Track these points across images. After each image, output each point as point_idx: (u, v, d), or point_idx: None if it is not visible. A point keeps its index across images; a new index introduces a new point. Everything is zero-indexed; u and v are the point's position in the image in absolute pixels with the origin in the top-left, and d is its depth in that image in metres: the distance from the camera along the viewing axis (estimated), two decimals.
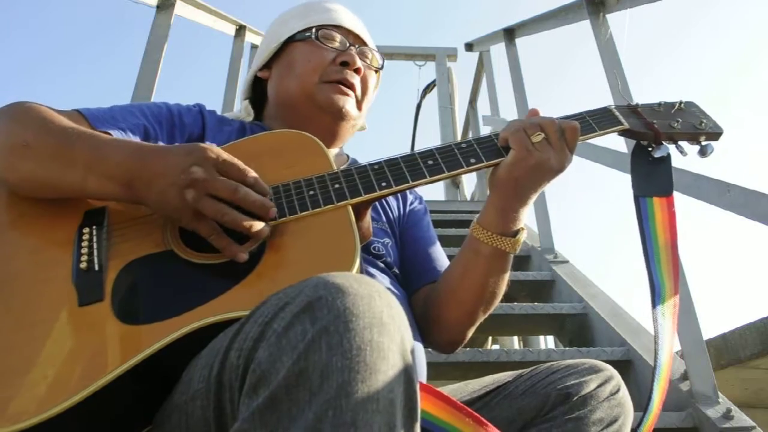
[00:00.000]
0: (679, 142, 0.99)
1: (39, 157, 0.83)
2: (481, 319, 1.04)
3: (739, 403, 1.61)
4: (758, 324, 1.88)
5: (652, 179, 0.96)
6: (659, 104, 1.01)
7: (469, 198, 4.90)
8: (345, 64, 1.13)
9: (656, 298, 0.92)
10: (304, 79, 1.12)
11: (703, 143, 0.98)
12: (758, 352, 1.86)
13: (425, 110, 5.40)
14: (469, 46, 4.71)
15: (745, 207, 1.58)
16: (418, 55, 5.26)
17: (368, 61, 1.19)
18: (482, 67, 4.56)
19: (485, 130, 4.76)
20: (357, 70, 1.14)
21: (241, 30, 3.89)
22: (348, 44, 1.15)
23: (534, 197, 0.94)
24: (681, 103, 1.01)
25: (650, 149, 0.98)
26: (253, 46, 4.35)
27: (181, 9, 2.67)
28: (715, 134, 0.98)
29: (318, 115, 1.11)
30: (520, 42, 3.61)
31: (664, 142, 0.97)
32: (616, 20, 2.35)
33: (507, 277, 1.00)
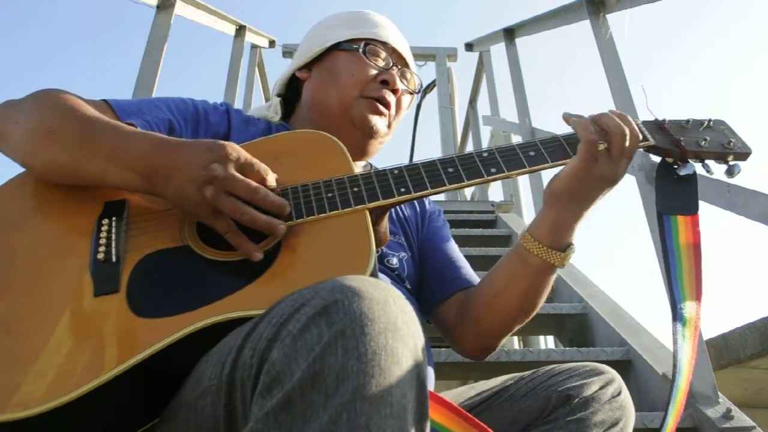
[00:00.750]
0: (706, 161, 0.96)
1: (63, 143, 0.84)
2: (517, 328, 1.04)
3: (739, 403, 1.61)
4: (758, 324, 1.88)
5: (676, 197, 0.94)
6: (687, 121, 0.99)
7: (469, 198, 4.90)
8: (385, 83, 1.14)
9: (677, 318, 0.89)
10: (344, 91, 1.12)
11: (731, 163, 0.96)
12: (758, 352, 1.86)
13: (425, 110, 5.37)
14: (469, 46, 4.72)
15: (745, 207, 1.58)
16: (418, 55, 5.26)
17: (406, 83, 1.20)
18: (482, 67, 4.56)
19: (485, 130, 4.77)
20: (395, 91, 1.15)
21: (241, 30, 3.89)
22: (391, 64, 1.15)
23: (589, 210, 0.93)
24: (710, 120, 0.99)
25: (676, 167, 0.96)
26: (253, 46, 4.36)
27: (181, 9, 2.67)
28: (744, 154, 0.96)
29: (349, 129, 1.11)
30: (520, 42, 3.61)
31: (690, 160, 0.95)
32: (616, 20, 2.36)
33: (549, 289, 1.00)
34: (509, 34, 3.66)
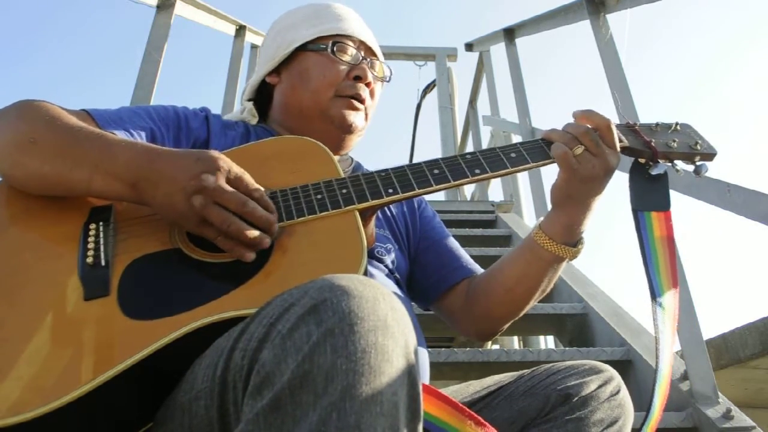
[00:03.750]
0: (675, 161, 1.03)
1: (45, 154, 0.83)
2: (524, 313, 1.10)
3: (739, 403, 1.61)
4: (758, 324, 1.89)
5: (649, 195, 1.00)
6: (656, 124, 1.05)
7: (469, 198, 4.90)
8: (358, 78, 1.14)
9: (657, 308, 0.94)
10: (319, 93, 1.13)
11: (698, 163, 1.02)
12: (758, 352, 1.86)
13: (425, 110, 5.41)
14: (469, 46, 4.72)
15: (745, 207, 1.58)
16: (418, 55, 5.26)
17: (376, 73, 1.20)
18: (482, 67, 4.56)
19: (485, 130, 4.77)
20: (368, 84, 1.15)
21: (241, 30, 3.89)
22: (360, 58, 1.15)
23: (595, 203, 0.98)
24: (677, 124, 1.05)
25: (647, 167, 1.01)
26: (253, 46, 4.35)
27: (181, 9, 2.67)
28: (710, 155, 1.02)
29: (327, 128, 1.12)
30: (520, 42, 3.61)
31: (660, 161, 1.01)
32: (616, 20, 2.36)
33: (558, 275, 1.06)
34: (509, 34, 3.66)
